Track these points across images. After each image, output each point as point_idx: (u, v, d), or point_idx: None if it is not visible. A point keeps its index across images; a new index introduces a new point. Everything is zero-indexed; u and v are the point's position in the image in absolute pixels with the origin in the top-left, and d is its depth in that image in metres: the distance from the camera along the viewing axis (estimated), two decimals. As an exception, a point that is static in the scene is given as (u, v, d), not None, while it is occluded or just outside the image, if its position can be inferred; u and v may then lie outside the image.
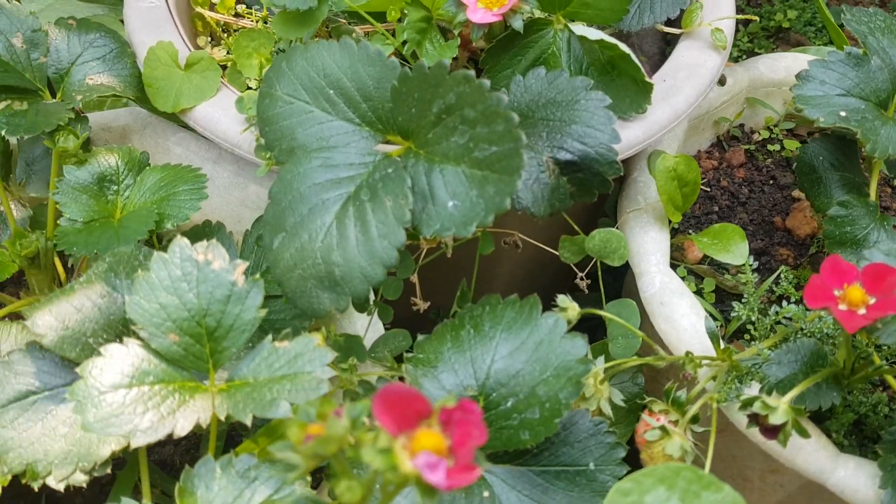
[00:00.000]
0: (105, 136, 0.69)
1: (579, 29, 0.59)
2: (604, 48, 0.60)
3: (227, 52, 0.71)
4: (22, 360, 0.48)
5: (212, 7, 0.72)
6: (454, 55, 0.60)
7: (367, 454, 0.32)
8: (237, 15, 0.72)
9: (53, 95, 0.62)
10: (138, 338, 0.46)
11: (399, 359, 0.59)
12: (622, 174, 0.56)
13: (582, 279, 0.68)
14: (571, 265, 0.66)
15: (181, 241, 0.46)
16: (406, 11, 0.60)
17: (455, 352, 0.51)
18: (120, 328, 0.49)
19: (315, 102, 0.54)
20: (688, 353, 0.53)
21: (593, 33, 0.58)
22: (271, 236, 0.52)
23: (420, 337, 0.52)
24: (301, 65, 0.54)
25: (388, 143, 0.54)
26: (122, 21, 0.97)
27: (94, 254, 0.54)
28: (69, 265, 0.70)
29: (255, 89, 0.66)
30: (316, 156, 0.52)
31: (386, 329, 0.61)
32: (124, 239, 0.54)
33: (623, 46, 0.58)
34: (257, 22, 0.72)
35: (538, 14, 0.62)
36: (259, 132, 0.55)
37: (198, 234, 0.61)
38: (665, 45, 0.77)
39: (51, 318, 0.47)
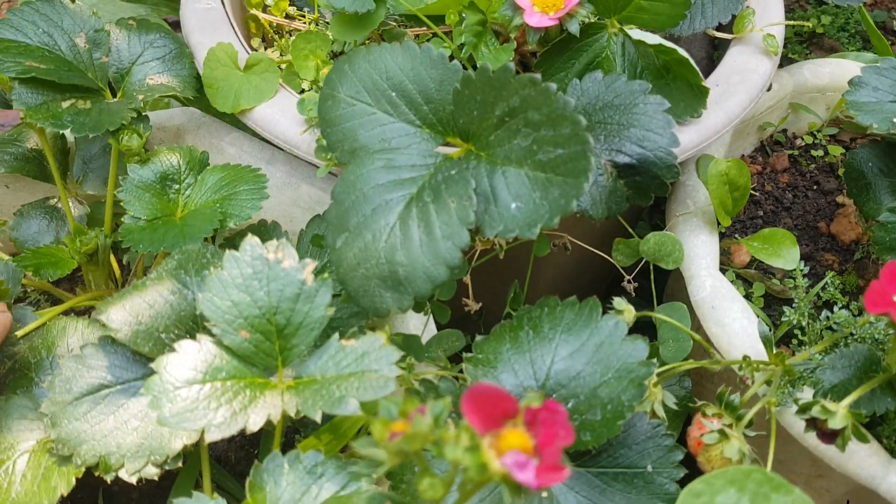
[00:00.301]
0: (160, 135, 0.70)
1: (635, 33, 0.60)
2: (659, 52, 0.61)
3: (281, 54, 0.72)
4: (95, 355, 0.49)
5: (265, 9, 0.73)
6: (511, 58, 0.61)
7: (452, 452, 0.33)
8: (289, 17, 0.73)
9: (114, 95, 0.63)
10: (210, 334, 0.46)
11: (453, 359, 0.60)
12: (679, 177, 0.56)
13: (630, 282, 0.68)
14: (611, 267, 0.66)
15: (252, 240, 0.47)
16: (464, 15, 0.60)
17: (514, 353, 0.51)
18: (190, 324, 0.49)
19: (377, 104, 0.55)
20: (745, 357, 0.53)
21: (650, 38, 0.59)
22: (334, 236, 0.52)
23: (478, 338, 0.53)
24: (364, 67, 0.55)
25: (447, 144, 0.54)
26: (164, 20, 0.99)
27: (159, 251, 0.55)
28: (124, 262, 0.72)
29: (312, 90, 0.67)
30: (378, 157, 0.53)
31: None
32: (189, 237, 0.55)
33: (681, 51, 0.58)
34: (309, 24, 0.73)
35: (593, 18, 0.62)
36: (321, 133, 0.56)
37: (254, 232, 0.62)
38: (713, 50, 0.77)
39: (124, 314, 0.48)
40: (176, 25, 1.31)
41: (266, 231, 0.63)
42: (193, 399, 0.44)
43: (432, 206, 0.50)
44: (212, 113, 0.73)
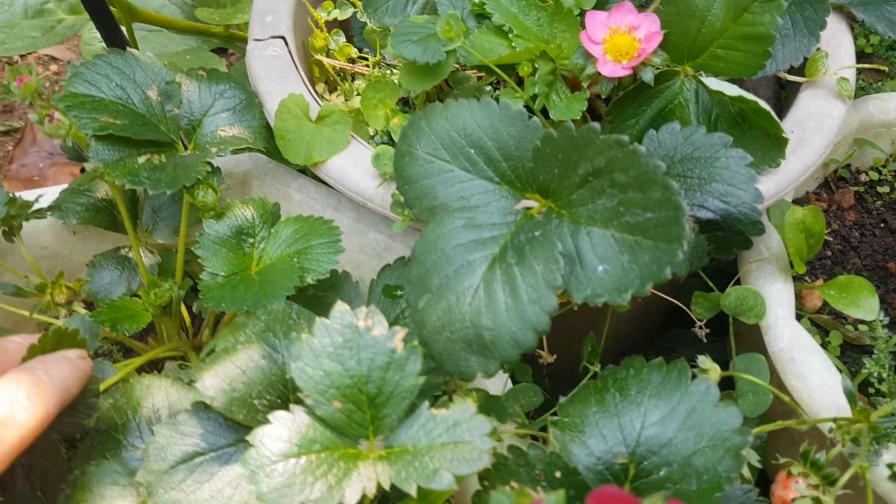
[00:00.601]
0: (227, 182, 0.71)
1: (712, 82, 0.59)
2: (734, 101, 0.60)
3: (345, 99, 0.72)
4: (188, 421, 0.49)
5: (328, 53, 0.73)
6: (584, 107, 0.60)
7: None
8: (351, 60, 0.73)
9: (185, 147, 0.63)
10: (302, 404, 0.46)
11: (529, 415, 0.59)
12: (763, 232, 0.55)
13: (701, 328, 0.68)
14: (670, 306, 0.66)
15: (342, 307, 0.47)
16: (537, 66, 0.60)
17: (601, 416, 0.51)
18: (281, 388, 0.49)
19: (455, 161, 0.54)
20: (836, 419, 0.52)
21: (729, 88, 0.58)
22: (416, 296, 0.52)
23: (562, 399, 0.52)
24: (441, 124, 0.54)
25: (525, 199, 0.54)
26: (212, 51, 0.99)
27: (242, 310, 0.54)
28: (194, 310, 0.72)
29: (378, 139, 0.67)
30: (458, 215, 0.53)
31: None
32: (271, 295, 0.55)
33: (762, 103, 0.57)
34: (373, 67, 0.73)
35: (665, 66, 0.62)
36: (398, 189, 0.55)
37: (325, 284, 0.62)
38: (779, 90, 0.76)
39: (219, 381, 0.48)
40: (221, 52, 1.31)
41: (338, 282, 0.63)
42: (290, 474, 0.44)
43: (517, 269, 0.50)
44: (278, 159, 0.73)
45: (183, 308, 0.68)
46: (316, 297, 0.63)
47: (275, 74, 0.67)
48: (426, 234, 0.53)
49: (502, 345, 0.49)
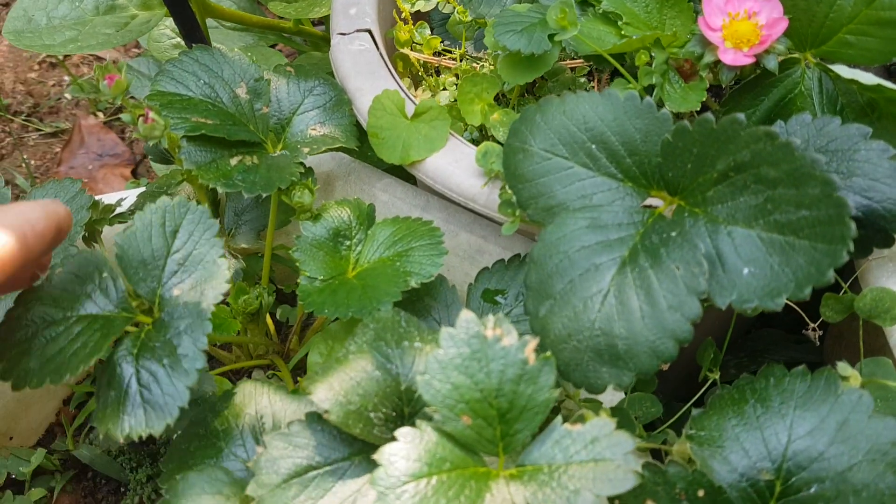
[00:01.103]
0: (310, 183, 0.68)
1: (843, 70, 0.55)
2: (865, 90, 0.55)
3: (432, 95, 0.68)
4: (302, 433, 0.46)
5: (413, 47, 0.70)
6: (703, 98, 0.56)
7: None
8: (437, 53, 0.70)
9: (274, 147, 0.60)
10: (422, 419, 0.43)
11: (647, 426, 0.56)
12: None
13: (814, 330, 0.64)
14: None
15: (468, 315, 0.44)
16: (653, 54, 0.56)
17: (742, 429, 0.47)
18: (396, 401, 0.46)
19: (574, 158, 0.51)
20: None
21: (865, 76, 0.53)
22: (536, 303, 0.49)
23: (694, 412, 0.49)
24: (558, 118, 0.51)
25: (652, 197, 0.50)
26: (270, 47, 0.97)
27: (346, 317, 0.51)
28: (277, 316, 0.69)
29: (473, 138, 0.63)
30: (580, 215, 0.49)
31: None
32: (376, 300, 0.52)
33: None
34: (459, 60, 0.69)
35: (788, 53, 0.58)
36: (510, 189, 0.52)
37: (423, 290, 0.59)
38: (887, 76, 0.72)
39: (332, 393, 0.45)
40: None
41: (434, 286, 0.60)
42: (422, 496, 0.40)
43: (651, 272, 0.46)
44: (362, 159, 0.70)
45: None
46: (410, 302, 0.60)
47: (364, 70, 0.64)
48: (546, 236, 0.50)
49: (638, 355, 0.45)
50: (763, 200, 0.45)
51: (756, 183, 0.45)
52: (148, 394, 0.44)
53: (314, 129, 0.60)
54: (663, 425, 0.57)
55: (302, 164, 0.57)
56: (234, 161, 0.56)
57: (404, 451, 0.42)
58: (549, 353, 0.43)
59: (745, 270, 0.45)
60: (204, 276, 0.46)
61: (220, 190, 0.54)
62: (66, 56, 1.39)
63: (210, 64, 0.59)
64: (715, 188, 0.47)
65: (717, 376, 0.57)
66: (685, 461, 0.48)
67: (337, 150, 0.61)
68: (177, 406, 0.43)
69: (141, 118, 0.52)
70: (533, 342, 0.43)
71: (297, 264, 0.54)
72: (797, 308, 0.64)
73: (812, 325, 0.64)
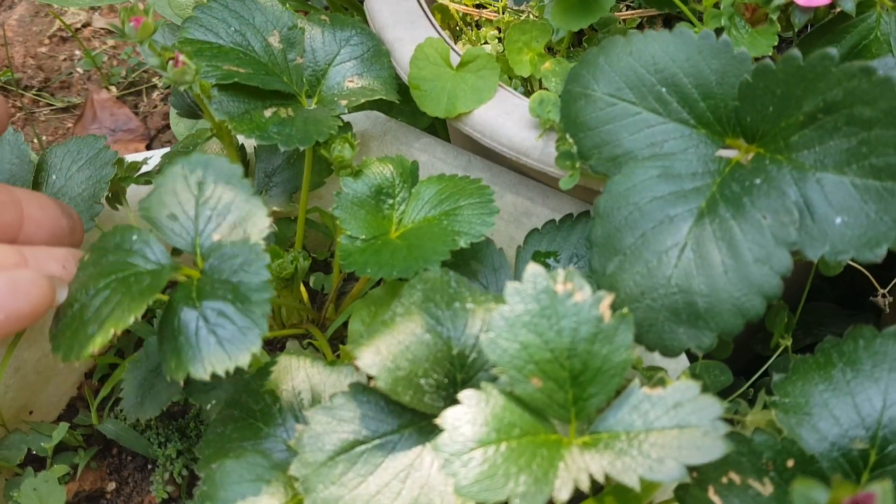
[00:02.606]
0: (344, 143, 0.64)
1: (928, 10, 0.51)
2: (951, 32, 0.51)
3: (472, 47, 0.64)
4: (346, 405, 0.42)
5: (451, -2, 0.65)
6: (774, 43, 0.52)
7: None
8: (479, 6, 0.66)
9: (308, 99, 0.56)
10: (484, 385, 0.39)
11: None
12: None
13: (885, 295, 0.60)
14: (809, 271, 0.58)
15: (536, 269, 0.40)
16: (721, -5, 0.52)
17: (830, 395, 0.43)
18: (448, 366, 0.42)
19: (642, 102, 0.47)
20: None
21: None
22: (604, 259, 0.45)
23: (775, 377, 0.45)
24: (625, 60, 0.47)
25: (725, 148, 0.46)
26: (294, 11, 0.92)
27: (390, 277, 0.47)
28: (310, 283, 0.65)
29: (524, 91, 0.59)
30: (651, 165, 0.45)
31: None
32: (423, 260, 0.48)
33: None
34: (501, 12, 0.65)
35: (862, -5, 0.54)
36: (569, 138, 0.48)
37: (463, 250, 0.55)
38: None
39: (380, 358, 0.41)
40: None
41: (479, 249, 0.56)
42: (491, 463, 0.37)
43: (734, 223, 0.42)
44: (398, 117, 0.66)
45: (300, 281, 0.61)
46: (455, 266, 0.56)
47: (402, 20, 0.60)
48: (613, 187, 0.46)
49: (721, 313, 0.41)
50: (857, 143, 0.41)
51: (849, 125, 0.41)
52: (222, 330, 0.40)
53: (351, 81, 0.56)
54: (731, 396, 0.53)
55: (339, 117, 0.54)
56: (267, 113, 0.52)
57: (469, 415, 0.38)
58: (626, 310, 0.39)
59: (838, 220, 0.41)
60: (241, 216, 0.43)
61: (255, 142, 0.50)
62: (77, 29, 1.36)
63: (240, 10, 0.55)
64: (800, 132, 0.43)
65: (790, 343, 0.53)
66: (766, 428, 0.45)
67: (376, 103, 0.57)
68: (257, 335, 0.40)
69: (171, 62, 0.48)
70: (608, 297, 0.39)
71: (338, 222, 0.50)
72: (867, 272, 0.60)
73: (882, 290, 0.60)
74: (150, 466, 0.59)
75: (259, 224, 0.43)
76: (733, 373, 0.59)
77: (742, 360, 0.68)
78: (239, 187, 0.44)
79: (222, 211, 0.43)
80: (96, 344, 0.40)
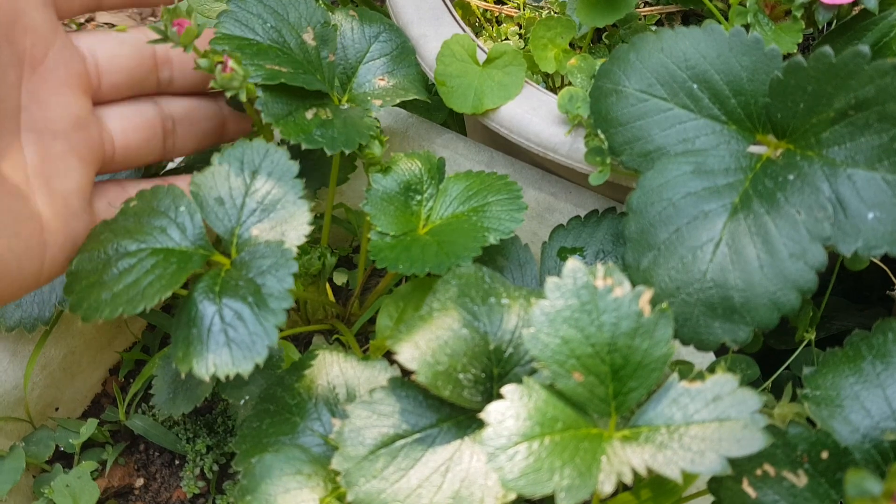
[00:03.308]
0: (367, 139, 0.64)
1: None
2: (973, 29, 0.52)
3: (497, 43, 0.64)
4: (385, 400, 0.42)
5: (472, -5, 0.66)
6: (799, 40, 0.53)
7: None
8: (499, 2, 0.66)
9: (339, 98, 0.56)
10: (535, 376, 0.40)
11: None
12: None
13: (902, 291, 0.61)
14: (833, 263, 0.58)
15: (575, 264, 0.40)
16: (747, -8, 0.52)
17: (861, 388, 0.44)
18: (486, 361, 0.43)
19: (673, 99, 0.47)
20: None
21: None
22: (638, 254, 0.45)
23: (806, 370, 0.45)
24: (656, 56, 0.47)
25: (756, 144, 0.47)
26: None
27: (422, 273, 0.48)
28: (334, 280, 0.66)
29: (547, 86, 0.60)
30: (683, 160, 0.46)
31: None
32: (455, 256, 0.48)
33: None
34: (521, 8, 0.65)
35: (885, -8, 0.54)
36: (601, 134, 0.48)
37: (489, 247, 0.55)
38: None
39: (420, 352, 0.41)
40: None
41: (504, 245, 0.56)
42: (536, 457, 0.37)
43: (769, 218, 0.43)
44: (418, 113, 0.66)
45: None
46: (481, 261, 0.57)
47: (427, 16, 0.60)
48: (645, 182, 0.46)
49: (757, 308, 0.42)
50: (888, 140, 0.42)
51: (881, 121, 0.42)
52: (233, 332, 0.40)
53: (382, 80, 0.56)
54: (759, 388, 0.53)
55: (376, 118, 0.54)
56: (309, 115, 0.51)
57: (513, 409, 0.38)
58: (665, 305, 0.40)
59: (870, 215, 0.42)
60: (284, 216, 0.43)
61: (302, 146, 0.49)
62: (81, 24, 1.35)
63: (275, 5, 0.54)
64: (831, 129, 0.43)
65: (814, 336, 0.54)
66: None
67: (410, 101, 0.57)
68: (265, 345, 0.40)
69: (219, 66, 0.47)
70: (648, 292, 0.40)
71: (368, 218, 0.51)
72: (884, 266, 0.61)
73: (899, 284, 0.61)
74: (177, 462, 0.60)
75: (299, 229, 0.43)
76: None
77: (753, 354, 0.69)
78: (290, 186, 0.44)
79: (268, 206, 0.44)
80: (115, 314, 0.41)
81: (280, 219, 0.43)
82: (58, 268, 0.46)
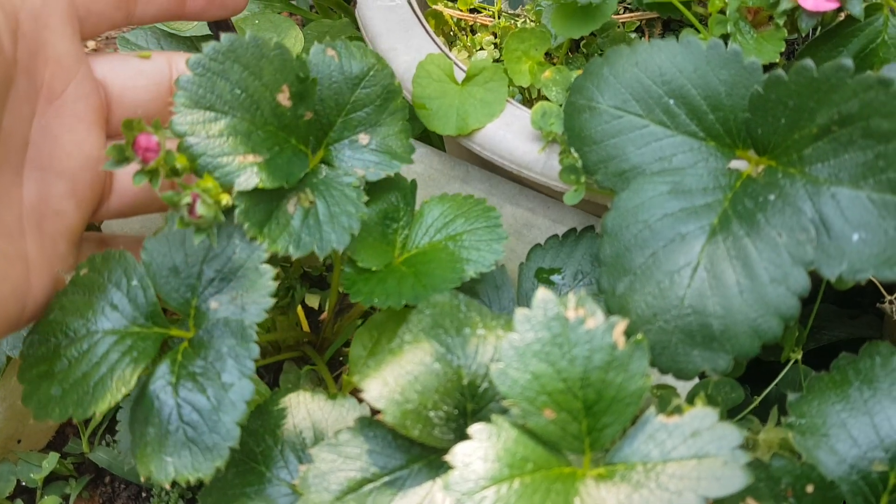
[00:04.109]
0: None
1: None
2: (960, 36, 0.50)
3: (468, 56, 0.62)
4: (352, 441, 0.40)
5: (446, 3, 0.64)
6: (781, 49, 0.51)
7: None
8: (473, 10, 0.64)
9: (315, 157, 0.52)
10: (495, 416, 0.38)
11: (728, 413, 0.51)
12: None
13: (892, 303, 0.59)
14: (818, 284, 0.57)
15: (545, 294, 0.38)
16: (727, 0, 0.50)
17: (848, 415, 0.42)
18: (458, 396, 0.41)
19: (649, 115, 0.45)
20: None
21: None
22: (612, 279, 0.43)
23: (791, 396, 0.44)
24: (631, 71, 0.45)
25: (735, 159, 0.45)
26: (278, 14, 0.90)
27: (398, 307, 0.45)
28: (305, 302, 0.64)
29: (523, 99, 0.58)
30: (660, 180, 0.44)
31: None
32: (431, 289, 0.46)
33: None
34: (496, 17, 0.63)
35: (869, -2, 0.52)
36: (574, 152, 0.46)
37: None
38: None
39: (387, 390, 0.39)
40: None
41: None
42: (504, 502, 0.35)
43: (748, 241, 0.41)
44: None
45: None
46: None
47: (396, 28, 0.58)
48: (620, 203, 0.44)
49: (737, 335, 0.40)
50: (873, 157, 0.40)
51: (865, 137, 0.40)
52: (192, 432, 0.38)
53: (364, 136, 0.49)
54: (742, 413, 0.52)
55: (359, 187, 0.47)
56: (290, 207, 0.44)
57: (481, 450, 0.36)
58: (640, 336, 0.38)
59: (855, 236, 0.40)
60: (245, 285, 0.40)
61: (293, 258, 0.44)
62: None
63: (250, 63, 0.44)
64: (814, 145, 0.41)
65: (800, 356, 0.52)
66: (783, 451, 0.43)
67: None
68: (227, 447, 0.38)
69: (187, 208, 0.40)
70: (622, 323, 0.38)
71: (348, 254, 0.48)
72: (874, 280, 0.59)
73: (889, 297, 0.59)
74: (143, 495, 0.57)
75: (260, 302, 0.40)
76: (736, 379, 0.58)
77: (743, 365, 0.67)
78: (251, 249, 0.41)
79: (227, 275, 0.41)
80: (65, 416, 0.38)
81: (240, 288, 0.41)
82: (38, 311, 0.43)
